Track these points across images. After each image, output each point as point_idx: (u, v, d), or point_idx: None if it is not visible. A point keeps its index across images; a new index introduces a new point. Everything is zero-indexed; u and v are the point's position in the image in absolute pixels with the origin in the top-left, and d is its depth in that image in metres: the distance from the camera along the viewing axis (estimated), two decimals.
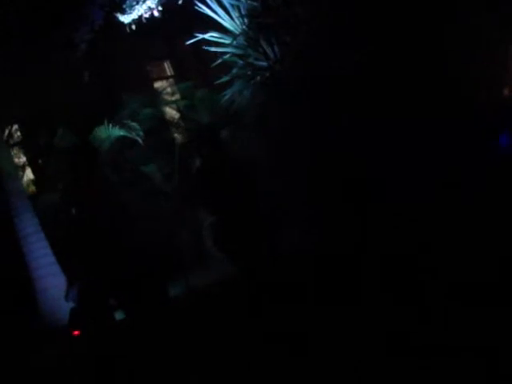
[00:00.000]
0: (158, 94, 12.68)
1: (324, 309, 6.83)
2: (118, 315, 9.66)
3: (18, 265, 10.54)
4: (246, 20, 10.85)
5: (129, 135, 11.09)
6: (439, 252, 7.14)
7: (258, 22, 10.75)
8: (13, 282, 10.51)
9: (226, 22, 10.98)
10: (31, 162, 12.31)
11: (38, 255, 10.55)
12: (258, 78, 10.83)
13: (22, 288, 10.53)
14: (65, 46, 11.34)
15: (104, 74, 12.40)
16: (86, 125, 11.28)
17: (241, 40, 10.88)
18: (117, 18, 11.32)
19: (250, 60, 10.88)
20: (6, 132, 11.80)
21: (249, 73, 10.91)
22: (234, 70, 10.99)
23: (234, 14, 10.94)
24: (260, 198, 10.56)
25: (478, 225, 7.45)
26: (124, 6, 11.24)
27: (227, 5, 10.91)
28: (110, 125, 11.06)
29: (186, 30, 11.32)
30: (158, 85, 13.67)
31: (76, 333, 9.05)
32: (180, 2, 11.02)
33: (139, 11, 11.19)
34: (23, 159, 12.29)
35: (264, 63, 10.78)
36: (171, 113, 12.14)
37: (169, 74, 14.11)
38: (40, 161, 12.31)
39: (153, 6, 11.12)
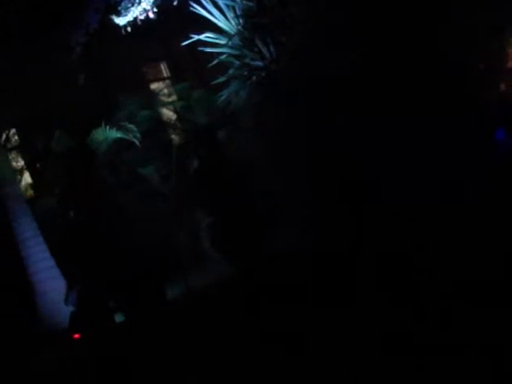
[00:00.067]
0: (154, 95, 12.71)
1: (321, 309, 6.83)
2: (118, 317, 9.68)
3: (17, 269, 10.54)
4: (241, 20, 10.84)
5: (126, 137, 11.10)
6: (435, 252, 7.14)
7: (254, 22, 10.74)
8: (12, 286, 10.52)
9: (221, 22, 10.97)
10: (29, 166, 12.30)
11: (37, 259, 10.55)
12: (254, 78, 10.82)
13: (21, 292, 10.53)
14: (61, 49, 11.34)
15: (100, 76, 12.40)
16: (83, 127, 11.29)
17: (236, 40, 10.87)
18: (112, 21, 11.33)
19: (246, 60, 10.88)
20: (4, 136, 11.79)
21: (245, 73, 10.91)
22: (230, 71, 10.99)
23: (230, 15, 10.94)
24: (257, 199, 10.57)
25: (474, 224, 7.45)
26: (119, 8, 11.24)
27: (222, 5, 10.90)
28: (107, 127, 11.08)
29: (182, 31, 11.31)
30: (154, 86, 13.67)
31: (76, 336, 9.09)
32: (175, 4, 11.03)
33: (134, 13, 11.19)
34: (21, 163, 12.29)
35: (260, 63, 10.78)
36: (168, 114, 12.15)
37: (165, 75, 14.11)
38: (38, 165, 12.31)
39: (148, 7, 11.13)
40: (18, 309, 10.36)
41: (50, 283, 10.48)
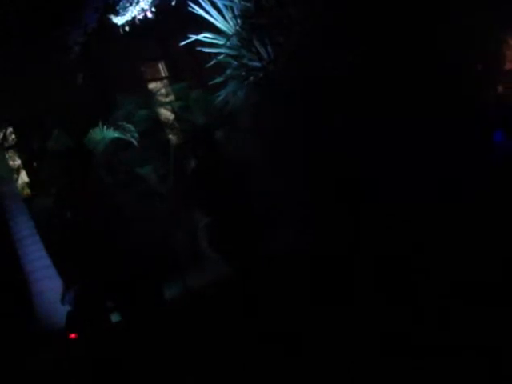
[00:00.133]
0: (152, 95, 12.68)
1: (319, 309, 6.84)
2: (114, 317, 9.67)
3: (13, 268, 10.52)
4: (239, 21, 10.86)
5: (123, 137, 11.07)
6: (432, 252, 7.15)
7: (252, 22, 10.75)
8: (9, 285, 10.50)
9: (219, 22, 10.99)
10: (26, 165, 12.27)
11: (34, 258, 10.52)
12: (252, 78, 10.83)
13: (18, 291, 10.51)
14: (59, 49, 11.33)
15: (98, 76, 12.38)
16: (81, 127, 11.27)
17: (234, 41, 10.89)
18: (110, 20, 11.32)
19: (244, 61, 10.89)
20: (1, 135, 11.76)
21: (243, 73, 10.91)
22: (228, 71, 11.00)
23: (228, 15, 10.95)
24: (255, 199, 10.57)
25: (471, 225, 7.46)
26: (117, 8, 11.23)
27: (220, 6, 10.92)
28: (105, 126, 11.05)
29: (180, 31, 11.31)
30: (152, 86, 13.65)
31: (73, 336, 9.08)
32: (173, 3, 11.03)
33: (133, 13, 11.18)
34: (18, 162, 12.26)
35: (257, 64, 10.79)
36: (166, 114, 12.15)
37: (163, 74, 14.10)
38: (35, 164, 12.28)
39: (146, 7, 11.12)
40: (14, 308, 10.33)
41: (47, 283, 10.45)
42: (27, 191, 12.27)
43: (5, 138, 11.94)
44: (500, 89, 11.02)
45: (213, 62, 11.05)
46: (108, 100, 11.75)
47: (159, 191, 11.08)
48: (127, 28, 11.25)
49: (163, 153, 11.27)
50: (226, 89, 10.94)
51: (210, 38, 10.99)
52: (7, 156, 11.87)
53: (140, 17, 11.17)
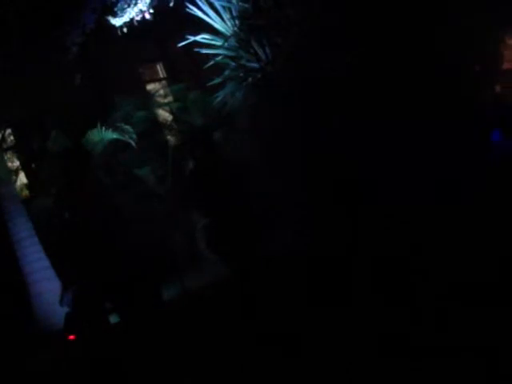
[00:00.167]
0: (150, 96, 12.69)
1: (316, 310, 6.84)
2: (113, 318, 9.68)
3: (12, 269, 10.53)
4: (237, 22, 10.84)
5: (122, 138, 11.10)
6: (430, 253, 7.15)
7: (250, 23, 10.75)
8: (7, 287, 10.50)
9: (217, 23, 10.97)
10: (24, 166, 12.28)
11: (32, 259, 10.54)
12: (250, 79, 10.83)
13: (16, 292, 10.52)
14: (57, 49, 11.33)
15: (96, 77, 12.39)
16: (79, 128, 11.27)
17: (232, 42, 10.88)
18: (108, 21, 11.33)
19: (242, 62, 10.87)
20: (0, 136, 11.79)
21: (241, 74, 10.91)
22: (226, 72, 10.99)
23: (226, 16, 10.94)
24: (253, 200, 10.58)
25: (469, 225, 7.47)
26: (115, 9, 11.23)
27: (218, 7, 10.91)
28: (103, 128, 11.07)
29: (178, 33, 11.31)
30: (150, 87, 13.66)
31: (71, 337, 9.08)
32: (171, 5, 11.03)
33: (131, 14, 11.18)
34: (16, 163, 12.27)
35: (255, 65, 10.79)
36: (164, 115, 12.16)
37: (161, 76, 14.11)
38: (33, 165, 12.29)
39: (144, 8, 11.12)
40: (13, 310, 10.34)
41: (45, 284, 10.46)
42: (26, 192, 12.28)
43: (3, 139, 11.96)
44: (498, 88, 11.03)
45: (211, 63, 11.04)
46: (106, 101, 11.76)
47: (157, 192, 11.09)
48: (125, 29, 11.25)
49: (161, 154, 11.29)
50: (224, 90, 10.93)
51: (207, 39, 10.98)
52: (6, 157, 11.89)
53: (138, 18, 11.16)
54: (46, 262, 10.60)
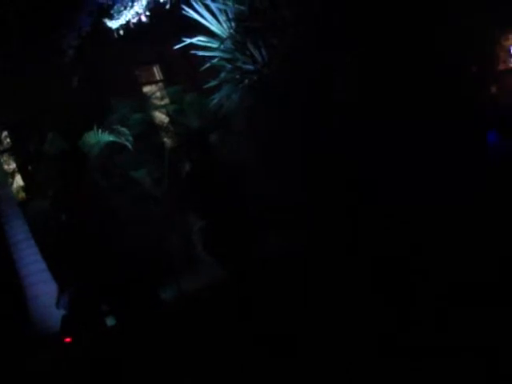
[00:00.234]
0: (147, 98, 12.69)
1: (314, 311, 6.84)
2: (110, 321, 9.67)
3: (8, 272, 10.52)
4: (233, 24, 10.87)
5: (118, 140, 11.10)
6: (430, 253, 7.15)
7: (245, 25, 10.77)
8: (4, 289, 10.49)
9: (213, 26, 10.99)
10: (21, 169, 12.27)
11: (29, 262, 10.51)
12: (246, 81, 10.85)
13: (13, 295, 10.51)
14: (53, 52, 11.34)
15: (93, 80, 12.39)
16: (76, 130, 11.27)
17: (228, 44, 10.89)
18: (105, 24, 11.34)
19: (238, 64, 10.90)
20: None
21: (237, 76, 10.93)
22: (223, 74, 11.01)
23: (222, 18, 10.96)
24: (249, 202, 10.58)
25: (469, 225, 7.46)
26: (112, 12, 11.24)
27: (214, 9, 10.92)
28: (100, 130, 11.07)
29: (174, 35, 11.32)
30: (147, 89, 13.65)
31: (67, 340, 9.09)
32: (167, 7, 11.04)
33: (127, 16, 11.19)
34: (13, 166, 12.26)
35: (252, 67, 10.80)
36: (160, 117, 12.15)
37: (158, 78, 14.11)
38: (30, 167, 12.29)
39: (140, 11, 11.13)
40: (9, 312, 10.32)
41: (42, 286, 10.44)
42: (22, 195, 12.27)
43: (0, 141, 11.96)
44: (494, 89, 11.06)
45: (207, 66, 11.06)
46: (103, 103, 11.75)
47: (154, 194, 11.09)
48: (122, 32, 11.26)
49: (158, 156, 11.29)
50: (221, 92, 10.94)
51: (204, 41, 10.99)
52: (2, 160, 11.88)
53: (134, 20, 11.18)
54: (43, 265, 10.59)
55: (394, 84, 9.83)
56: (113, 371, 7.53)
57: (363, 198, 9.45)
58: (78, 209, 11.04)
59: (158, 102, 12.34)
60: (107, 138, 11.07)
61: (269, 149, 10.52)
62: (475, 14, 10.00)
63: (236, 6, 10.80)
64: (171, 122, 11.90)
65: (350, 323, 6.20)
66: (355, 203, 9.38)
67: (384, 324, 5.95)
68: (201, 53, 11.03)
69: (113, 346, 8.67)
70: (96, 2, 11.15)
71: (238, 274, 9.78)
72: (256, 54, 10.75)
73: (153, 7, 11.05)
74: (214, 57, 11.03)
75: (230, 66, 10.97)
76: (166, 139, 11.98)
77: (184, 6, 10.86)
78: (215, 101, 10.97)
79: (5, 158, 12.08)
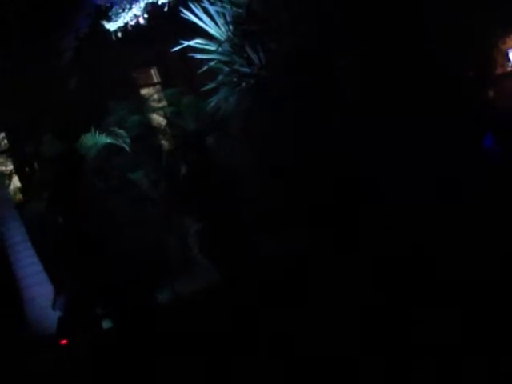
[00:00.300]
0: (144, 100, 12.72)
1: (313, 310, 6.84)
2: (106, 324, 9.67)
3: (5, 273, 10.52)
4: (231, 27, 10.88)
5: (115, 142, 11.12)
6: (432, 252, 7.15)
7: (243, 28, 10.79)
8: (0, 291, 10.49)
9: (211, 28, 11.00)
10: (18, 170, 12.29)
11: (25, 264, 10.51)
12: (244, 84, 10.86)
13: (9, 297, 10.51)
14: (51, 54, 11.36)
15: (91, 81, 12.41)
16: (73, 132, 11.28)
17: (226, 47, 10.90)
18: (103, 26, 11.35)
19: (236, 67, 10.90)
20: None
21: (234, 79, 10.94)
22: (220, 77, 11.01)
23: (220, 21, 10.97)
24: (246, 205, 10.58)
25: (471, 224, 7.46)
26: (110, 14, 11.27)
27: (213, 12, 10.93)
28: (97, 132, 11.09)
29: (172, 37, 11.33)
30: (144, 91, 13.69)
31: (63, 342, 9.08)
32: (166, 10, 11.06)
33: (125, 19, 11.21)
34: (10, 167, 12.27)
35: (249, 70, 10.81)
36: (158, 119, 12.16)
37: (155, 80, 14.13)
38: (27, 169, 12.30)
39: (138, 13, 11.15)
40: (5, 313, 10.32)
41: (38, 288, 10.44)
42: (19, 196, 12.27)
43: None
44: (491, 93, 11.06)
45: (205, 68, 11.07)
46: (100, 105, 11.76)
47: (151, 196, 11.09)
48: (120, 34, 11.28)
49: (155, 158, 11.30)
50: (218, 95, 10.95)
51: (202, 43, 11.00)
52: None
53: (132, 23, 11.20)
54: (39, 267, 10.58)
55: (394, 83, 9.84)
56: (107, 373, 7.54)
57: (364, 197, 9.45)
58: (75, 211, 11.05)
59: (155, 105, 12.36)
60: (105, 139, 11.09)
61: (266, 152, 10.52)
62: (476, 13, 10.00)
63: (234, 8, 10.81)
64: (168, 124, 11.91)
65: (351, 322, 6.20)
66: (356, 202, 9.38)
67: (386, 323, 5.95)
68: (198, 55, 11.04)
69: (109, 348, 8.67)
70: (94, 4, 11.18)
71: (234, 277, 9.78)
72: (254, 56, 10.76)
73: (151, 9, 11.07)
74: (211, 59, 11.03)
75: (227, 68, 10.97)
76: (163, 141, 11.99)
77: (182, 9, 10.88)
78: (212, 103, 10.98)
79: (2, 159, 12.11)
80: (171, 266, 10.87)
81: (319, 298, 7.19)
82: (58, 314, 9.68)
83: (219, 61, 11.02)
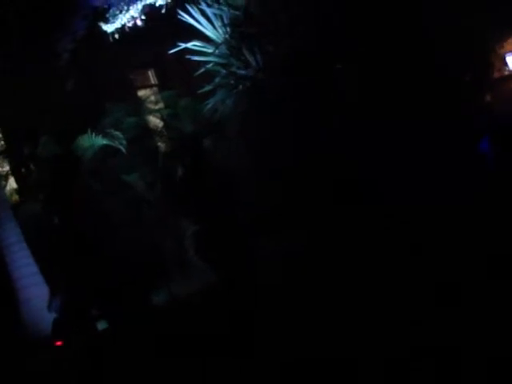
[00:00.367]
0: (141, 102, 12.71)
1: (310, 314, 6.84)
2: (101, 325, 9.66)
3: (0, 275, 10.50)
4: (228, 29, 10.90)
5: (112, 144, 11.12)
6: (430, 253, 7.15)
7: (241, 31, 10.80)
8: None
9: (208, 31, 11.02)
10: (14, 171, 12.27)
11: (21, 265, 10.48)
12: (241, 86, 10.87)
13: (4, 298, 10.49)
14: (47, 55, 11.36)
15: (87, 83, 12.40)
16: (70, 133, 11.28)
17: (223, 49, 10.92)
18: (100, 27, 11.36)
19: (233, 69, 10.92)
20: None
21: (231, 82, 10.95)
22: (217, 79, 11.03)
23: (217, 24, 10.99)
24: (243, 207, 10.57)
25: (470, 225, 7.47)
26: (107, 16, 11.28)
27: (210, 14, 10.95)
28: (93, 133, 11.08)
29: (170, 39, 11.34)
30: (141, 93, 13.68)
31: (58, 343, 9.07)
32: (163, 12, 11.08)
33: (122, 20, 11.24)
34: (6, 168, 12.26)
35: (246, 72, 10.83)
36: (155, 121, 12.15)
37: (153, 82, 14.13)
38: (23, 170, 12.28)
39: (136, 15, 11.18)
40: (1, 314, 10.31)
41: (34, 289, 10.41)
42: (15, 197, 12.26)
43: None
44: (488, 97, 11.08)
45: (202, 71, 11.08)
46: (97, 107, 11.76)
47: (147, 198, 11.08)
48: (117, 35, 11.29)
49: (151, 160, 11.30)
50: (215, 97, 10.96)
51: (199, 46, 11.02)
52: None
53: (130, 24, 11.22)
54: (35, 268, 10.56)
55: (392, 85, 9.85)
56: (102, 375, 7.53)
57: (363, 198, 9.45)
58: (71, 212, 11.03)
59: (152, 106, 12.33)
60: (101, 141, 11.08)
61: (263, 153, 10.52)
62: (475, 14, 10.02)
63: (231, 11, 10.83)
64: (165, 126, 11.90)
65: (349, 323, 6.21)
66: (355, 203, 9.38)
67: (384, 324, 5.96)
68: (196, 57, 11.05)
69: (103, 351, 8.66)
70: (91, 6, 11.19)
71: (229, 279, 9.77)
72: (251, 59, 10.78)
73: (148, 11, 11.09)
74: (208, 62, 11.05)
75: (224, 71, 10.99)
76: (159, 143, 11.99)
77: (179, 11, 10.89)
78: (209, 106, 10.99)
79: None
80: (167, 267, 10.85)
81: (318, 298, 7.18)
82: (53, 315, 9.67)
83: (216, 63, 11.04)
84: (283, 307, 7.34)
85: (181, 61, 11.74)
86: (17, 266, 10.53)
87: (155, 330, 8.66)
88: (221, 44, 10.88)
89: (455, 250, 6.97)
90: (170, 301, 10.15)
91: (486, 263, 6.37)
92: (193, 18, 10.91)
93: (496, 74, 11.29)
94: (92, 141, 11.06)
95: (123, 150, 11.06)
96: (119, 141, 11.02)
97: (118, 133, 11.06)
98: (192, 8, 10.89)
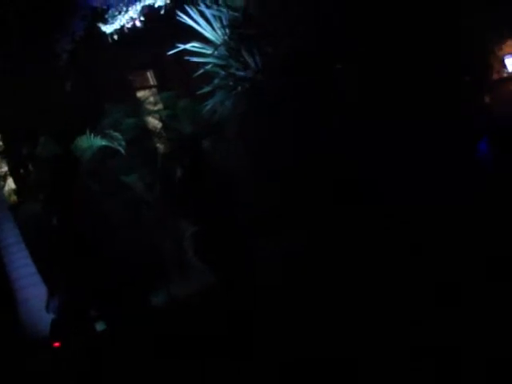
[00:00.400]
0: (140, 103, 12.72)
1: (310, 315, 6.84)
2: (100, 326, 9.65)
3: None
4: (227, 30, 10.91)
5: (111, 145, 11.11)
6: (431, 253, 7.16)
7: (240, 32, 10.81)
8: None
9: (207, 32, 11.03)
10: (13, 172, 12.26)
11: (19, 265, 10.48)
12: (240, 88, 10.88)
13: (2, 298, 10.48)
14: (46, 56, 11.35)
15: (86, 84, 12.40)
16: (68, 134, 11.28)
17: (222, 50, 10.93)
18: (99, 28, 11.36)
19: (232, 70, 10.93)
20: None
21: (230, 83, 10.96)
22: (216, 81, 11.03)
23: (216, 25, 10.99)
24: (241, 208, 10.58)
25: (470, 225, 7.47)
26: (106, 16, 11.28)
27: (209, 15, 10.96)
28: (92, 134, 11.09)
29: (169, 40, 11.35)
30: (140, 94, 13.68)
31: (56, 344, 9.07)
32: (162, 13, 11.07)
33: (121, 21, 11.23)
34: (5, 168, 12.25)
35: (245, 73, 10.84)
36: (154, 122, 12.17)
37: (151, 83, 14.13)
38: (22, 170, 12.28)
39: (135, 16, 11.17)
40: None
41: (32, 290, 10.41)
42: (14, 198, 12.25)
43: None
44: (487, 99, 11.09)
45: (201, 72, 11.08)
46: (96, 108, 11.76)
47: (146, 199, 11.09)
48: (116, 36, 11.29)
49: (150, 161, 11.30)
50: (214, 98, 10.96)
51: (198, 47, 11.02)
52: None
53: (129, 25, 11.21)
54: (33, 268, 10.56)
55: (392, 85, 9.86)
56: (100, 376, 7.53)
57: (363, 198, 9.45)
58: (70, 213, 11.02)
59: (151, 107, 12.35)
60: (100, 142, 11.09)
61: (262, 154, 10.53)
62: (475, 14, 10.04)
63: (230, 12, 10.84)
64: (164, 127, 11.92)
65: (349, 324, 6.21)
66: (355, 203, 9.38)
67: (384, 325, 5.96)
68: (195, 59, 11.05)
69: (101, 352, 8.66)
70: (90, 7, 11.19)
71: (228, 280, 9.77)
72: (250, 61, 10.78)
73: (147, 12, 11.09)
74: (207, 63, 11.05)
75: (223, 72, 10.99)
76: (158, 144, 12.00)
77: (179, 12, 10.89)
78: (208, 107, 10.99)
79: None
80: (166, 268, 10.85)
81: (318, 299, 7.18)
82: (51, 316, 9.66)
83: (215, 64, 11.04)
84: (282, 308, 7.34)
85: (180, 62, 11.74)
86: (15, 267, 10.53)
87: (154, 331, 8.65)
88: (220, 45, 10.89)
89: (455, 250, 6.98)
90: (169, 302, 10.16)
91: (485, 263, 6.39)
92: (192, 19, 10.91)
93: (495, 76, 11.30)
94: (91, 141, 11.07)
95: (122, 150, 11.06)
96: (118, 142, 11.02)
97: (116, 134, 11.07)
98: (191, 9, 10.89)
